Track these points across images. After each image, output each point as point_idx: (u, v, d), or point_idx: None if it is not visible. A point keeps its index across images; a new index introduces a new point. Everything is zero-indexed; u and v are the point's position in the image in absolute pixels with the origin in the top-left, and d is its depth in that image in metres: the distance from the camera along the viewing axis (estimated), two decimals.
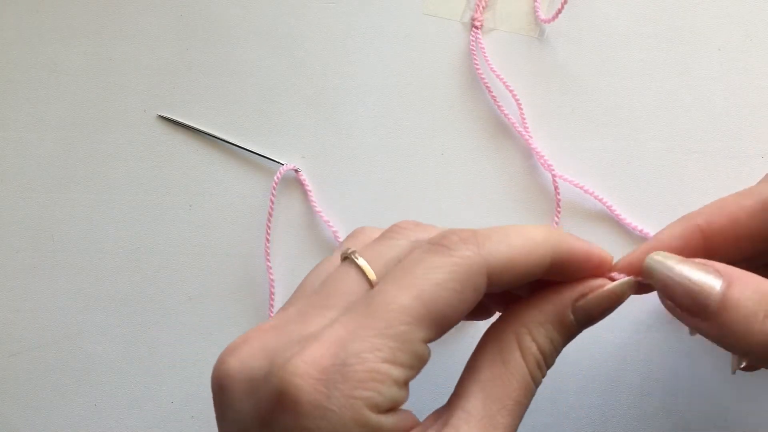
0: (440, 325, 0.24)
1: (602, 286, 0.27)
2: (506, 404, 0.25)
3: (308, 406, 0.22)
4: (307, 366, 0.23)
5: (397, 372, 0.23)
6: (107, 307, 0.42)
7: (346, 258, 0.27)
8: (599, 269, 0.27)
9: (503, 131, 0.41)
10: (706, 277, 0.25)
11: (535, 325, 0.26)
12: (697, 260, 0.26)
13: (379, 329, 0.23)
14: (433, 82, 0.42)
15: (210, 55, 0.43)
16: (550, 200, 0.40)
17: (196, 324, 0.41)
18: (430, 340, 0.24)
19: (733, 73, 0.40)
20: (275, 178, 0.41)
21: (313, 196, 0.41)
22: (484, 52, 0.41)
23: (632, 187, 0.40)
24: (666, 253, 0.27)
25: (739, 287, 0.25)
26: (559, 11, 0.40)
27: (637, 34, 0.41)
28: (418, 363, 0.24)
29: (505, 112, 0.41)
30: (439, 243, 0.25)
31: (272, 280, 0.41)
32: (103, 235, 0.42)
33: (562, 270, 0.27)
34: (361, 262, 0.26)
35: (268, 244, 0.41)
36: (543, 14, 0.41)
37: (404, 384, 0.24)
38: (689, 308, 0.26)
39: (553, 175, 0.40)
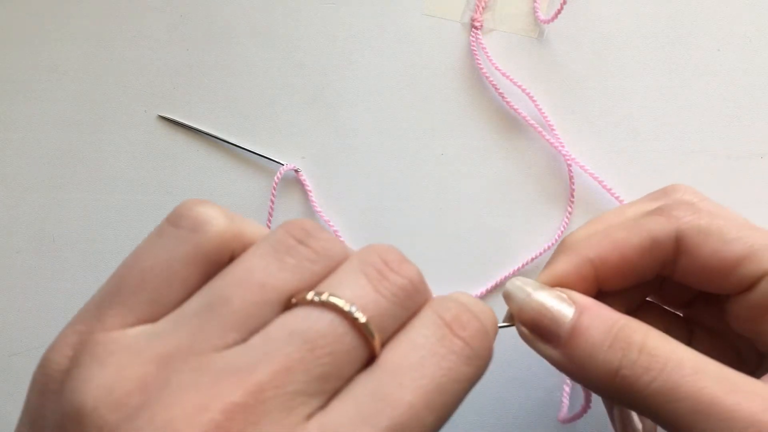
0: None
1: None
2: None
3: None
4: None
5: None
6: None
7: (340, 311, 0.21)
8: None
9: (510, 127, 0.41)
10: (560, 305, 0.26)
11: None
12: (556, 289, 0.27)
13: None
14: (433, 82, 0.42)
15: (210, 55, 0.43)
16: (564, 191, 0.40)
17: None
18: None
19: (733, 73, 0.40)
20: (275, 178, 0.41)
21: (313, 196, 0.41)
22: (486, 52, 0.41)
23: (632, 187, 0.40)
24: (525, 279, 0.27)
25: (589, 316, 0.25)
26: (559, 12, 0.40)
27: (637, 35, 0.41)
28: None
29: (515, 107, 0.41)
30: (460, 336, 0.22)
31: None
32: (103, 235, 0.42)
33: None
34: (362, 320, 0.21)
35: None
36: (542, 15, 0.41)
37: None
38: (542, 334, 0.26)
39: (569, 165, 0.40)
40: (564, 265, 0.28)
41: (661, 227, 0.27)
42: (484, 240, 0.41)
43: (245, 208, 0.42)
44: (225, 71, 0.43)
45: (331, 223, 0.41)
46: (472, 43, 0.42)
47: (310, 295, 0.21)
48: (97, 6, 0.44)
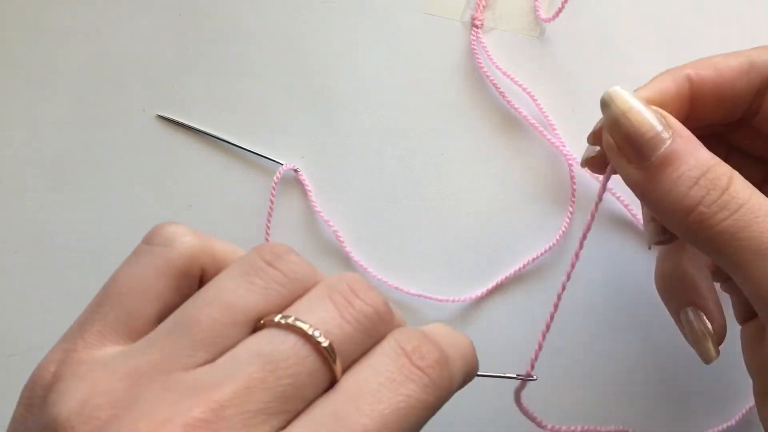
0: None
1: None
2: None
3: None
4: None
5: None
6: None
7: (305, 335, 0.21)
8: None
9: (511, 126, 0.41)
10: (658, 126, 0.26)
11: None
12: (655, 108, 0.27)
13: None
14: (433, 82, 0.42)
15: (210, 55, 0.43)
16: (565, 191, 0.40)
17: None
18: None
19: None
20: (275, 178, 0.41)
21: (313, 196, 0.41)
22: (487, 51, 0.41)
23: None
24: (627, 90, 0.28)
25: (685, 147, 0.26)
26: (560, 11, 0.40)
27: (638, 34, 0.41)
28: None
29: (516, 106, 0.41)
30: (419, 366, 0.22)
31: None
32: (103, 235, 0.42)
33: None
34: (325, 344, 0.21)
35: None
36: (543, 13, 0.41)
37: None
38: (632, 151, 0.27)
39: (570, 165, 0.40)
40: (663, 82, 0.28)
41: (759, 54, 0.28)
42: (484, 240, 0.40)
43: (245, 208, 0.42)
44: (225, 71, 0.43)
45: (330, 223, 0.41)
46: (473, 42, 0.41)
47: (277, 318, 0.22)
48: (96, 6, 0.43)
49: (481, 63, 0.41)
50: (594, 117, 0.40)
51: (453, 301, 0.40)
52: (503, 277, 0.40)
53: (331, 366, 0.21)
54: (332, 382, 0.22)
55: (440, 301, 0.40)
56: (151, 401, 0.20)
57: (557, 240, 0.40)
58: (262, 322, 0.22)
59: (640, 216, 0.39)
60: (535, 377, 0.33)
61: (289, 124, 0.42)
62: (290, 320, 0.21)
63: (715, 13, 0.40)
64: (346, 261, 0.41)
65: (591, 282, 0.40)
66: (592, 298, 0.39)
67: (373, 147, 0.42)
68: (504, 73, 0.41)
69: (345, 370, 0.22)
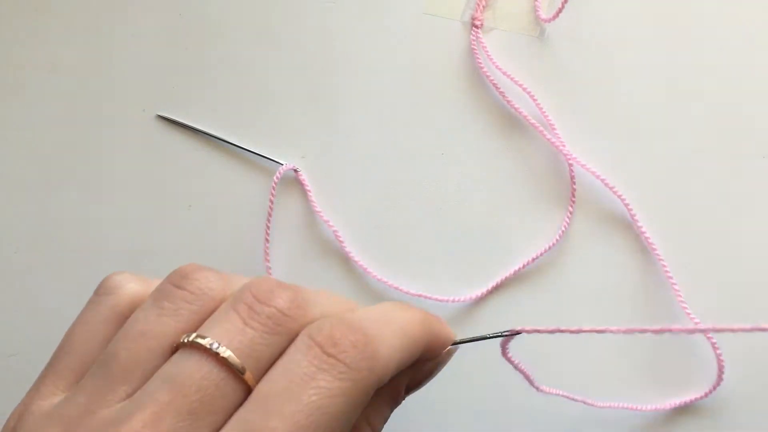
0: None
1: (433, 365, 0.28)
2: None
3: None
4: None
5: None
6: None
7: (205, 350, 0.22)
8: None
9: (511, 126, 0.41)
10: None
11: (374, 413, 0.26)
12: None
13: None
14: (433, 81, 0.42)
15: (209, 54, 0.43)
16: (565, 190, 0.40)
17: None
18: None
19: (734, 73, 0.40)
20: (275, 178, 0.41)
21: (313, 196, 0.41)
22: (487, 51, 0.41)
23: (631, 186, 0.40)
24: None
25: None
26: (560, 10, 0.40)
27: (638, 34, 0.41)
28: None
29: (516, 106, 0.41)
30: (331, 353, 0.22)
31: None
32: (102, 235, 0.42)
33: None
34: (224, 355, 0.22)
35: (267, 244, 0.41)
36: (543, 13, 0.41)
37: None
38: None
39: (570, 165, 0.40)
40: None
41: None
42: (484, 240, 0.40)
43: (244, 208, 0.42)
44: (224, 71, 0.43)
45: (330, 223, 0.41)
46: (473, 42, 0.41)
47: (182, 339, 0.22)
48: (96, 5, 0.43)
49: (481, 63, 0.41)
50: (595, 116, 0.40)
51: (453, 301, 0.40)
52: (503, 277, 0.40)
53: (237, 375, 0.21)
54: (248, 391, 0.22)
55: (440, 301, 0.40)
56: None
57: (557, 240, 0.40)
58: (175, 345, 0.23)
59: (638, 216, 0.39)
60: (519, 331, 0.30)
61: (289, 124, 0.42)
62: (191, 338, 0.22)
63: (715, 13, 0.40)
64: (346, 261, 0.41)
65: (590, 281, 0.40)
66: (592, 298, 0.39)
67: (373, 147, 0.42)
68: (504, 73, 0.41)
69: (261, 375, 0.22)
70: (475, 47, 0.41)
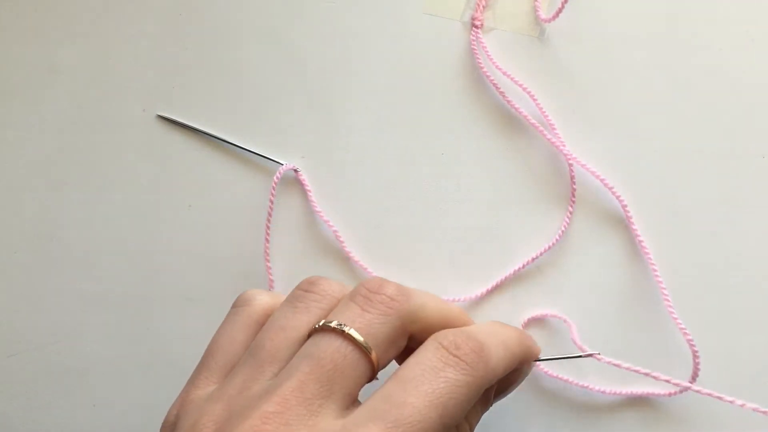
0: None
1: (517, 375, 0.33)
2: None
3: None
4: None
5: None
6: (107, 307, 0.42)
7: (334, 331, 0.28)
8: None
9: (511, 125, 0.41)
10: None
11: (473, 412, 0.31)
12: None
13: None
14: (433, 81, 0.42)
15: (210, 55, 0.43)
16: (565, 190, 0.40)
17: (196, 324, 0.41)
18: None
19: (734, 73, 0.40)
20: (275, 178, 0.41)
21: (313, 196, 0.41)
22: (487, 51, 0.41)
23: (631, 186, 0.40)
24: None
25: None
26: (560, 11, 0.40)
27: (638, 34, 0.41)
28: None
29: (516, 106, 0.41)
30: (456, 354, 0.28)
31: (272, 280, 0.41)
32: (102, 235, 0.42)
33: None
34: (347, 331, 0.28)
35: (267, 244, 0.41)
36: (543, 14, 0.41)
37: None
38: None
39: (570, 165, 0.40)
40: None
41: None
42: (484, 240, 0.40)
43: (244, 208, 0.42)
44: (224, 71, 0.43)
45: (330, 223, 0.41)
46: (473, 42, 0.41)
47: (315, 325, 0.28)
48: (96, 5, 0.43)
49: (481, 63, 0.41)
50: (595, 116, 0.41)
51: (453, 301, 0.40)
52: (503, 277, 0.40)
53: (362, 348, 0.27)
54: (369, 360, 0.27)
55: None
56: (239, 413, 0.26)
57: (557, 240, 0.40)
58: (309, 333, 0.29)
59: (637, 216, 0.39)
60: (598, 353, 0.36)
61: (289, 124, 0.42)
62: (322, 323, 0.28)
63: (715, 13, 0.40)
64: (346, 261, 0.41)
65: (590, 281, 0.40)
66: (592, 298, 0.39)
67: (373, 147, 0.42)
68: (504, 73, 0.41)
69: (381, 350, 0.28)
70: (475, 47, 0.41)
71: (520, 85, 0.41)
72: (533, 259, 0.40)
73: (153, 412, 0.41)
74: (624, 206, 0.39)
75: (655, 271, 0.39)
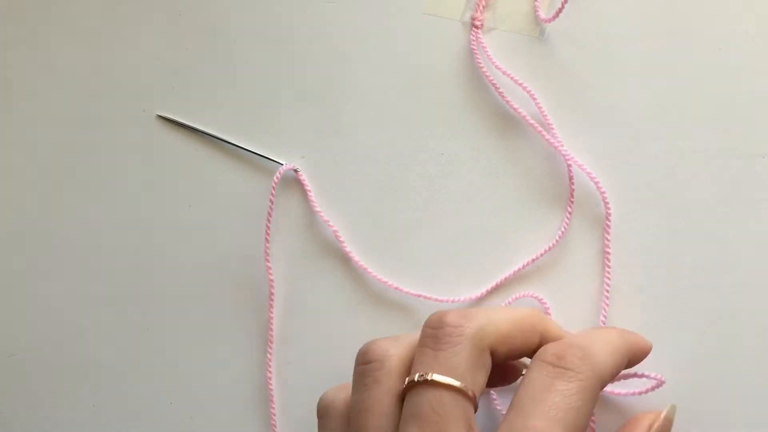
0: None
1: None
2: None
3: None
4: None
5: None
6: (107, 307, 0.42)
7: (420, 384, 0.28)
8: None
9: (511, 125, 0.41)
10: None
11: None
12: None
13: None
14: (433, 82, 0.42)
15: (210, 55, 0.43)
16: (564, 191, 0.40)
17: (196, 324, 0.41)
18: None
19: (734, 73, 0.40)
20: (275, 178, 0.41)
21: (313, 196, 0.41)
22: (486, 51, 0.41)
23: (632, 186, 0.40)
24: None
25: None
26: (560, 11, 0.40)
27: (638, 34, 0.41)
28: None
29: (515, 106, 0.41)
30: (560, 365, 0.28)
31: (272, 280, 0.41)
32: (103, 235, 0.42)
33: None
34: (444, 380, 0.28)
35: (267, 244, 0.41)
36: (543, 14, 0.41)
37: None
38: None
39: (569, 165, 0.40)
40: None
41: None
42: (484, 240, 0.40)
43: (244, 208, 0.42)
44: (225, 71, 0.43)
45: (330, 223, 0.41)
46: (473, 42, 0.41)
47: (403, 386, 0.29)
48: (96, 5, 0.43)
49: (480, 63, 0.41)
50: (594, 116, 0.41)
51: (453, 301, 0.40)
52: (503, 277, 0.40)
53: (450, 386, 0.28)
54: (464, 393, 0.28)
55: (440, 301, 0.40)
56: None
57: (557, 240, 0.40)
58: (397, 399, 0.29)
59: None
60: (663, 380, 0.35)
61: (289, 124, 0.42)
62: (406, 383, 0.29)
63: (715, 13, 0.40)
64: (346, 261, 0.41)
65: (590, 282, 0.40)
66: (592, 298, 0.40)
67: (373, 147, 0.42)
68: (504, 73, 0.41)
69: (468, 379, 0.28)
70: (474, 47, 0.41)
71: (520, 85, 0.41)
72: (533, 260, 0.40)
73: (153, 412, 0.41)
74: (608, 214, 0.39)
75: (607, 278, 0.39)
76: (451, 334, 0.29)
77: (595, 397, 0.28)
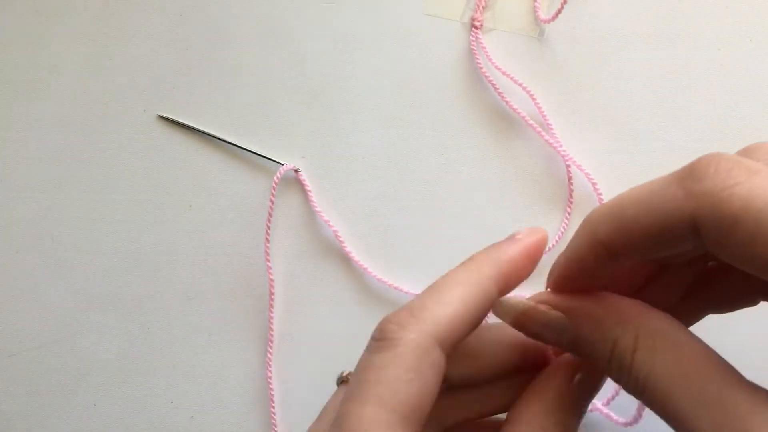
0: (415, 416, 0.23)
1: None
2: None
3: None
4: None
5: None
6: (107, 307, 0.42)
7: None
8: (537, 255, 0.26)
9: (510, 125, 0.41)
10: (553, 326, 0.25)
11: (544, 418, 0.25)
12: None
13: None
14: (433, 82, 0.42)
15: (210, 55, 0.43)
16: (563, 191, 0.40)
17: (196, 324, 0.41)
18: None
19: (733, 73, 0.40)
20: (275, 178, 0.41)
21: (313, 196, 0.41)
22: (486, 51, 0.41)
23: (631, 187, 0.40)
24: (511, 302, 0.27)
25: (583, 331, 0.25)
26: (559, 11, 0.40)
27: (637, 35, 0.41)
28: None
29: (514, 106, 0.41)
30: (379, 338, 0.24)
31: (272, 280, 0.41)
32: (103, 235, 0.42)
33: (513, 284, 0.26)
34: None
35: (268, 244, 0.41)
36: (543, 14, 0.41)
37: None
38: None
39: (568, 166, 0.40)
40: (578, 251, 0.25)
41: (674, 207, 0.23)
42: (484, 241, 0.40)
43: (245, 209, 0.42)
44: (225, 71, 0.43)
45: (330, 224, 0.41)
46: (472, 43, 0.42)
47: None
48: (96, 6, 0.43)
49: (480, 64, 0.41)
50: (594, 117, 0.41)
51: None
52: None
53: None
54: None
55: None
56: None
57: (556, 240, 0.40)
58: None
59: None
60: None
61: (289, 124, 0.42)
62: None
63: (714, 13, 0.40)
64: (346, 261, 0.41)
65: None
66: None
67: (373, 147, 0.42)
68: (504, 74, 0.41)
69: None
70: (474, 48, 0.41)
71: (520, 85, 0.41)
72: None
73: (153, 412, 0.41)
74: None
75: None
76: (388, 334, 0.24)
77: (423, 360, 0.23)
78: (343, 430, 0.22)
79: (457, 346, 0.24)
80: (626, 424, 0.37)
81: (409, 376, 0.23)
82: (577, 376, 0.26)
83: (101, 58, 0.43)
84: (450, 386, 0.27)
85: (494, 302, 0.26)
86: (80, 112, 0.43)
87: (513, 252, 0.26)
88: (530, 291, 0.40)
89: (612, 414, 0.38)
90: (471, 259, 0.26)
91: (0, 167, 0.43)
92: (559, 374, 0.26)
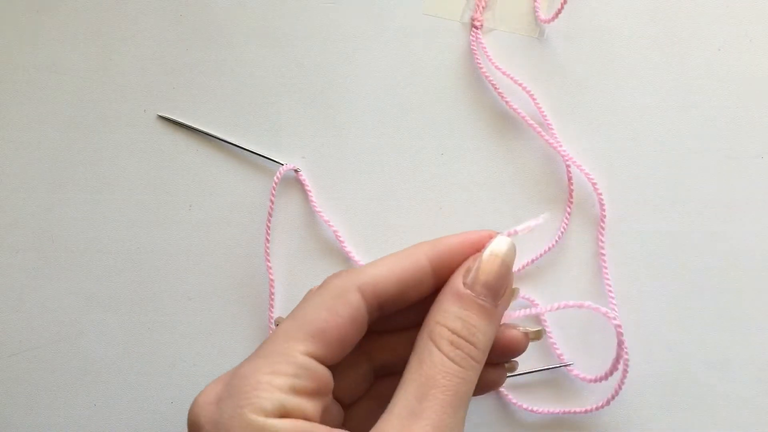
0: (323, 336, 0.28)
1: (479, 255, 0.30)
2: (428, 393, 0.27)
3: (207, 425, 0.27)
4: (204, 397, 0.27)
5: (279, 380, 0.26)
6: (107, 307, 0.42)
7: None
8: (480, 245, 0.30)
9: (510, 125, 0.41)
10: None
11: (439, 314, 0.28)
12: None
13: (263, 353, 0.27)
14: (433, 82, 0.42)
15: (210, 55, 0.43)
16: (563, 191, 0.40)
17: (196, 324, 0.41)
18: (314, 353, 0.27)
19: (733, 73, 0.40)
20: (275, 178, 0.41)
21: (313, 196, 0.41)
22: (486, 51, 0.41)
23: (633, 186, 0.40)
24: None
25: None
26: (559, 11, 0.40)
27: (637, 35, 0.41)
28: (304, 372, 0.27)
29: (514, 106, 0.41)
30: (321, 285, 0.29)
31: (272, 280, 0.41)
32: (103, 235, 0.42)
33: (449, 265, 0.30)
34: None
35: (268, 244, 0.41)
36: (543, 14, 0.41)
37: (291, 390, 0.26)
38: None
39: (567, 166, 0.40)
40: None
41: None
42: None
43: (245, 208, 0.42)
44: (225, 71, 0.43)
45: (330, 223, 0.41)
46: (472, 43, 0.42)
47: None
48: (96, 6, 0.43)
49: (480, 64, 0.41)
50: (593, 117, 0.41)
51: None
52: None
53: None
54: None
55: None
56: None
57: (556, 240, 0.40)
58: None
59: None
60: (570, 363, 0.37)
61: (290, 124, 0.42)
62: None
63: (714, 13, 0.40)
64: (346, 261, 0.41)
65: (589, 282, 0.40)
66: (591, 299, 0.40)
67: (373, 147, 0.42)
68: (504, 74, 0.41)
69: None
70: (474, 48, 0.41)
71: (520, 85, 0.41)
72: (533, 261, 0.40)
73: (153, 412, 0.41)
74: (603, 216, 0.39)
75: (607, 278, 0.39)
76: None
77: (340, 297, 0.28)
78: (268, 339, 0.28)
79: (383, 297, 0.29)
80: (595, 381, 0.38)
81: (324, 306, 0.28)
82: (470, 275, 0.29)
83: (101, 58, 0.43)
84: (378, 331, 0.32)
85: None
86: (80, 112, 0.43)
87: (452, 240, 0.30)
88: (525, 292, 0.40)
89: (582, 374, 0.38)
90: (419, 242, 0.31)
91: (0, 167, 0.43)
92: (455, 278, 0.30)
